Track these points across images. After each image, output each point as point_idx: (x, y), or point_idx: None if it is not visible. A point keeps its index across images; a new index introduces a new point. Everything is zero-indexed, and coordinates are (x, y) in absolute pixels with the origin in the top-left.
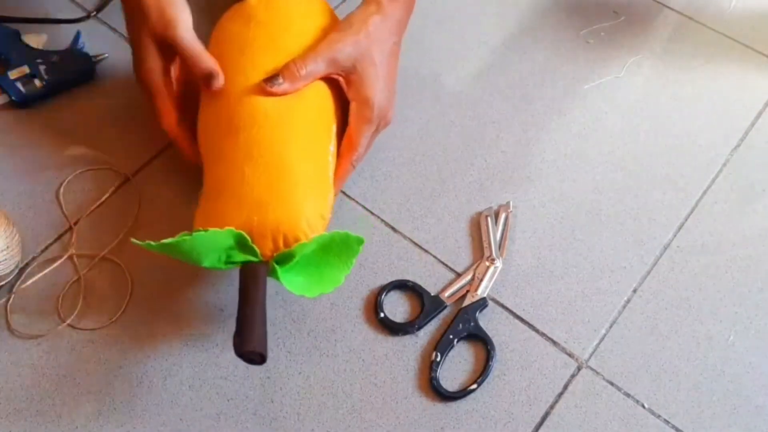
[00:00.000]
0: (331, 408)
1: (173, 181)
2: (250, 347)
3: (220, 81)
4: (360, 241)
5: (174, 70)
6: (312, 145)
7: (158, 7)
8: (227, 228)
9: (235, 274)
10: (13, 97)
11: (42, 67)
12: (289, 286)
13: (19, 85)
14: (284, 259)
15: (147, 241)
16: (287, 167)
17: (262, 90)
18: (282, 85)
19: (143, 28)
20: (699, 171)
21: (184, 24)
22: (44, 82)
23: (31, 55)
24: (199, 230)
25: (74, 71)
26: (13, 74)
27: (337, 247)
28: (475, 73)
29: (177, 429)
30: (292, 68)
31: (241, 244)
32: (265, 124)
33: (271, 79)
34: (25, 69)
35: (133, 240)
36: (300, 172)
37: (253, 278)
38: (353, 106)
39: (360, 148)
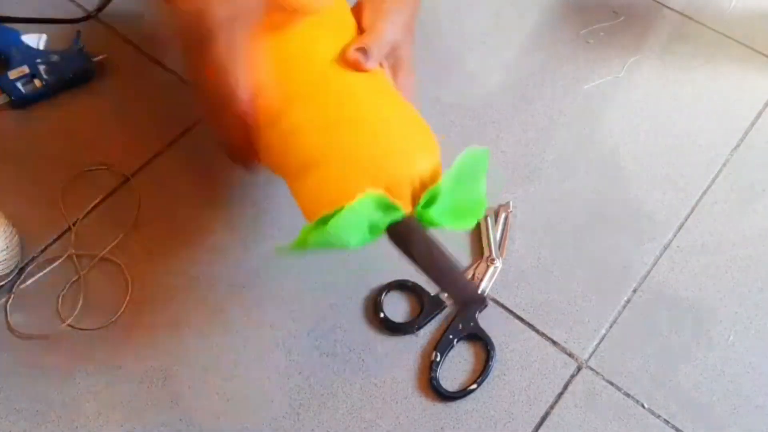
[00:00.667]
0: (331, 408)
1: (173, 181)
2: (472, 291)
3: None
4: (486, 152)
5: None
6: (385, 87)
7: None
8: (365, 194)
9: (234, 274)
10: (12, 97)
11: (42, 67)
12: (446, 223)
13: (19, 85)
14: (430, 201)
15: (290, 244)
16: (386, 116)
17: (353, 63)
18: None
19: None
20: (699, 171)
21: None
22: (44, 82)
23: (31, 55)
24: (336, 210)
25: (74, 71)
26: (13, 74)
27: (469, 167)
28: (475, 73)
29: (177, 429)
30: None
31: (383, 205)
32: (348, 81)
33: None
34: (25, 69)
35: (278, 247)
36: (396, 115)
37: (416, 232)
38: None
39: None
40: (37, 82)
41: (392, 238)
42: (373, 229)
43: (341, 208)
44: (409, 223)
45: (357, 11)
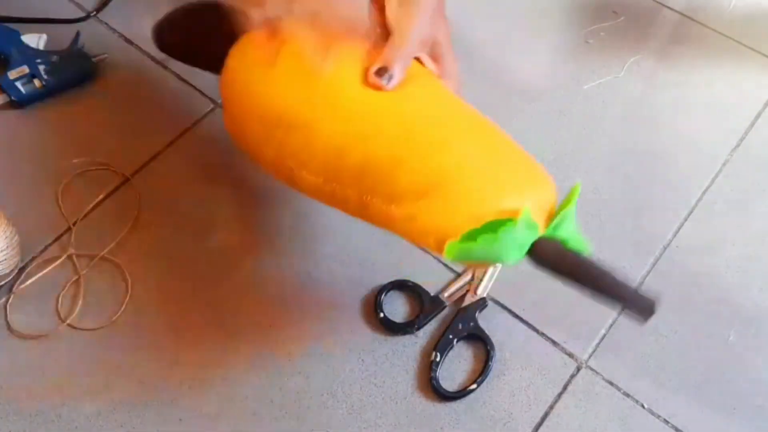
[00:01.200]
0: (331, 408)
1: (173, 181)
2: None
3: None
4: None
5: None
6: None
7: None
8: (525, 209)
9: (234, 274)
10: (12, 97)
11: (42, 67)
12: (573, 243)
13: (18, 85)
14: (560, 222)
15: (457, 243)
16: (495, 140)
17: (374, 88)
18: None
19: None
20: (699, 171)
21: None
22: (44, 82)
23: (31, 55)
24: (505, 221)
25: (74, 71)
26: (12, 74)
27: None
28: (475, 74)
29: (177, 429)
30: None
31: (530, 224)
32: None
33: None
34: (25, 69)
35: (450, 244)
36: (500, 140)
37: (563, 249)
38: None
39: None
40: (37, 82)
41: (540, 256)
42: (521, 247)
43: (508, 219)
44: (551, 241)
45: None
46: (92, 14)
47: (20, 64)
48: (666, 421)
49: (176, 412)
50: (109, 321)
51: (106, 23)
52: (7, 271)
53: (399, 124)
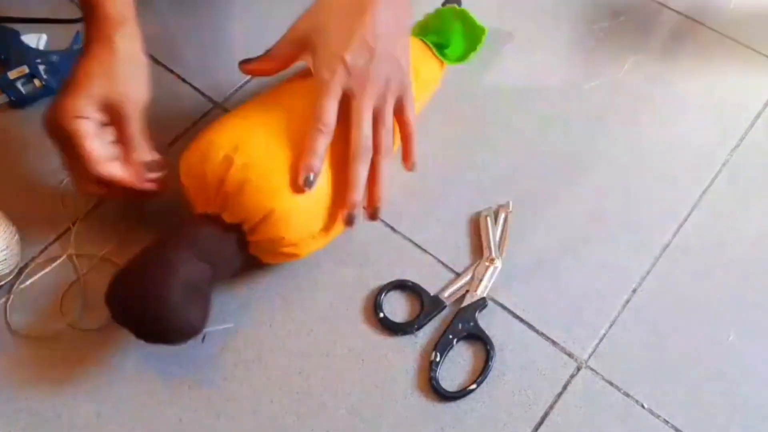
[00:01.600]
0: (331, 408)
1: (173, 181)
2: None
3: (159, 173)
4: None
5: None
6: None
7: (126, 76)
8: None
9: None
10: (12, 98)
11: (41, 68)
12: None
13: (18, 85)
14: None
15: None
16: None
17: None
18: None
19: (101, 82)
20: (698, 171)
21: (138, 107)
22: (44, 83)
23: (31, 55)
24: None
25: None
26: (12, 74)
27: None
28: (475, 74)
29: (176, 429)
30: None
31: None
32: None
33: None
34: (25, 69)
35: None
36: None
37: None
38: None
39: (321, 113)
40: (36, 82)
41: None
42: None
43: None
44: None
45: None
46: None
47: (20, 64)
48: (666, 421)
49: (176, 412)
50: (109, 321)
51: None
52: (7, 271)
53: None
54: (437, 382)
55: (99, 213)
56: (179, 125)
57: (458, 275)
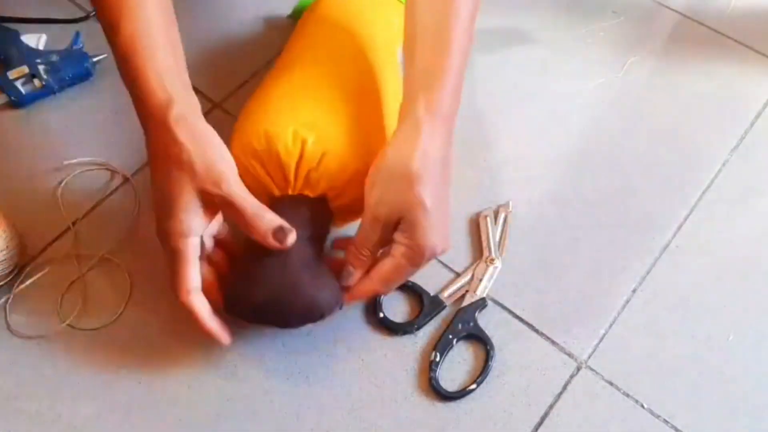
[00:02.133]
0: (331, 408)
1: None
2: None
3: (292, 237)
4: None
5: (210, 233)
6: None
7: (205, 160)
8: None
9: None
10: (12, 97)
11: (41, 67)
12: None
13: (18, 85)
14: None
15: None
16: None
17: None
18: (354, 274)
19: (187, 180)
20: (698, 171)
21: (234, 178)
22: (44, 82)
23: (31, 55)
24: None
25: (74, 71)
26: (12, 74)
27: None
28: (475, 74)
29: (176, 429)
30: (355, 254)
31: None
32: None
33: (346, 275)
34: (25, 69)
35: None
36: None
37: None
38: (401, 247)
39: (392, 285)
40: (36, 82)
41: None
42: None
43: None
44: None
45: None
46: (92, 14)
47: (20, 64)
48: (666, 421)
49: (176, 412)
50: (109, 321)
51: None
52: (8, 271)
53: None
54: (437, 382)
55: (98, 213)
56: None
57: (458, 275)
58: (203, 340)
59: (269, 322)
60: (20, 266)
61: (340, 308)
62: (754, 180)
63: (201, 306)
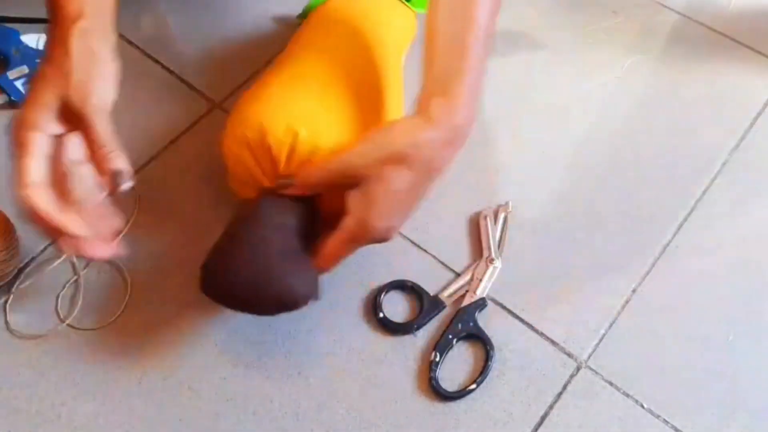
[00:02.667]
0: (330, 408)
1: (173, 181)
2: None
3: (126, 185)
4: None
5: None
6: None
7: (83, 74)
8: None
9: None
10: (12, 98)
11: None
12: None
13: (18, 85)
14: None
15: None
16: None
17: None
18: (290, 185)
19: (55, 84)
20: (698, 171)
21: (104, 105)
22: None
23: (31, 55)
24: None
25: None
26: (12, 74)
27: None
28: None
29: (176, 429)
30: (304, 173)
31: None
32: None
33: (284, 181)
34: (25, 69)
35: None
36: None
37: None
38: (346, 217)
39: (330, 262)
40: None
41: None
42: None
43: None
44: None
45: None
46: None
47: (20, 64)
48: (666, 421)
49: (176, 411)
50: (109, 321)
51: None
52: (7, 271)
53: None
54: (437, 382)
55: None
56: (179, 125)
57: (458, 275)
58: (203, 340)
59: (242, 307)
60: (20, 266)
61: (317, 299)
62: (754, 180)
63: (43, 200)
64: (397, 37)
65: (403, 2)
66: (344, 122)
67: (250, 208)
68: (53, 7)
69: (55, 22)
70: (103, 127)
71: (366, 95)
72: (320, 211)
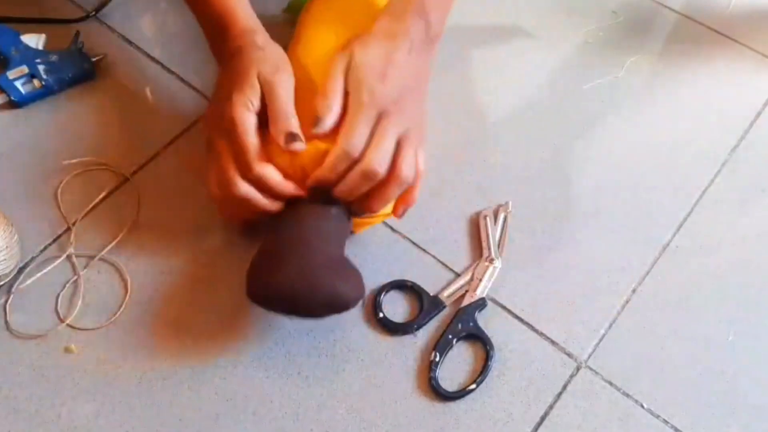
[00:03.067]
0: (330, 408)
1: (173, 181)
2: None
3: (300, 145)
4: None
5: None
6: None
7: (274, 53)
8: None
9: (233, 274)
10: (12, 97)
11: (41, 67)
12: None
13: (18, 85)
14: None
15: None
16: None
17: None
18: (325, 120)
19: (255, 64)
20: (698, 171)
21: (289, 80)
22: (43, 82)
23: (30, 56)
24: None
25: (73, 71)
26: (12, 74)
27: None
28: (474, 74)
29: (176, 429)
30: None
31: None
32: None
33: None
34: (25, 69)
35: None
36: None
37: None
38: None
39: (352, 134)
40: (36, 82)
41: None
42: None
43: None
44: None
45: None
46: (92, 14)
47: (19, 64)
48: (665, 421)
49: (176, 411)
50: (109, 321)
51: (105, 23)
52: (7, 271)
53: None
54: (437, 382)
55: (98, 213)
56: (179, 125)
57: (458, 275)
58: (202, 339)
59: (289, 309)
60: (20, 266)
61: (363, 297)
62: (754, 180)
63: (274, 171)
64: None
65: None
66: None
67: (288, 214)
68: (226, 30)
69: (233, 38)
70: (286, 99)
71: None
72: (353, 213)
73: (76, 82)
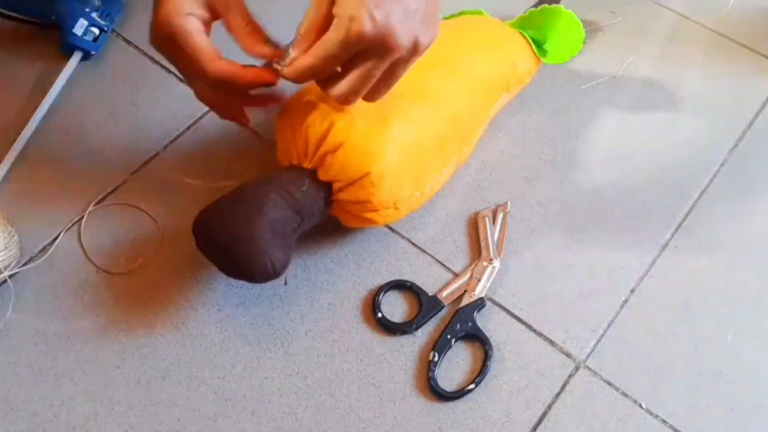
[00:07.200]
0: (329, 408)
1: (173, 181)
2: None
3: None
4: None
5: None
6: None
7: None
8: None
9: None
10: (89, 50)
11: (94, 15)
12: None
13: (88, 38)
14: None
15: None
16: None
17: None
18: (291, 54)
19: None
20: (697, 171)
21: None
22: (103, 29)
23: (79, 9)
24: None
25: (114, 6)
26: (77, 30)
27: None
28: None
29: (175, 429)
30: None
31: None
32: None
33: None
34: (84, 22)
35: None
36: None
37: None
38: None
39: (317, 54)
40: (95, 30)
41: None
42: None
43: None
44: None
45: None
46: None
47: (76, 20)
48: (664, 421)
49: (176, 412)
50: (108, 321)
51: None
52: (6, 270)
53: None
54: (435, 382)
55: (98, 213)
56: (179, 125)
57: (456, 275)
58: (203, 339)
59: (207, 253)
60: (20, 266)
61: (277, 276)
62: (753, 180)
63: (229, 65)
64: (513, 81)
65: (532, 49)
66: (386, 130)
67: (266, 175)
68: None
69: None
70: (244, 13)
71: (431, 116)
72: (332, 203)
73: (118, 16)
